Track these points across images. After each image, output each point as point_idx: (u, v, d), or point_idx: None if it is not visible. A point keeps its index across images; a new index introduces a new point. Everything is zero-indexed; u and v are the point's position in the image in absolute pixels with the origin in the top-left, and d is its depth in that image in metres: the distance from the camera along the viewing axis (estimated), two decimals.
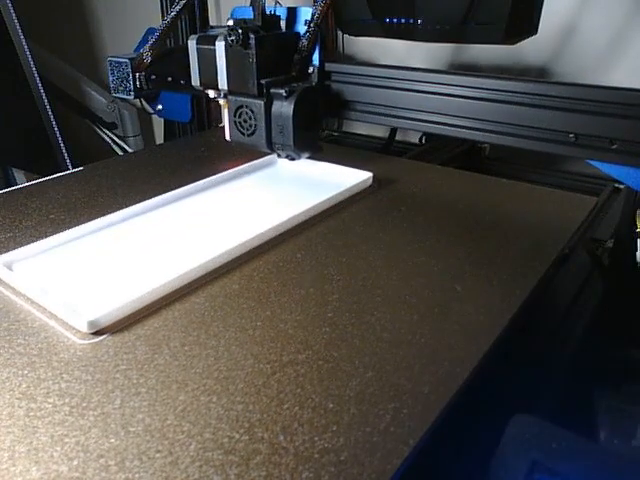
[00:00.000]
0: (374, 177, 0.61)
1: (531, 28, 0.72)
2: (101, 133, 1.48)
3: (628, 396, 0.47)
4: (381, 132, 1.11)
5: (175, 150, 0.78)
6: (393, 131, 0.95)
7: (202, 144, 0.79)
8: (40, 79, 1.13)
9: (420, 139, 1.02)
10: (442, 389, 0.32)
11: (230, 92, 0.59)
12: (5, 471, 0.27)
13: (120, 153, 1.45)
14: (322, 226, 0.52)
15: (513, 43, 0.73)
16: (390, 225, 0.53)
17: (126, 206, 0.54)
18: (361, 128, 1.20)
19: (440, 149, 0.91)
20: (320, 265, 0.46)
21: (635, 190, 0.58)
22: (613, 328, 0.53)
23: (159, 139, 1.56)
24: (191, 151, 0.76)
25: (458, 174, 0.67)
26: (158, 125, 1.56)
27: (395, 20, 0.75)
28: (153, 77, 0.74)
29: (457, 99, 0.57)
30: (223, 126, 0.65)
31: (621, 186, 0.77)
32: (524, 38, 0.73)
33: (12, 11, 1.07)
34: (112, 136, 1.47)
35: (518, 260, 0.46)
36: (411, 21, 0.73)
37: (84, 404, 0.31)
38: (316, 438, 0.29)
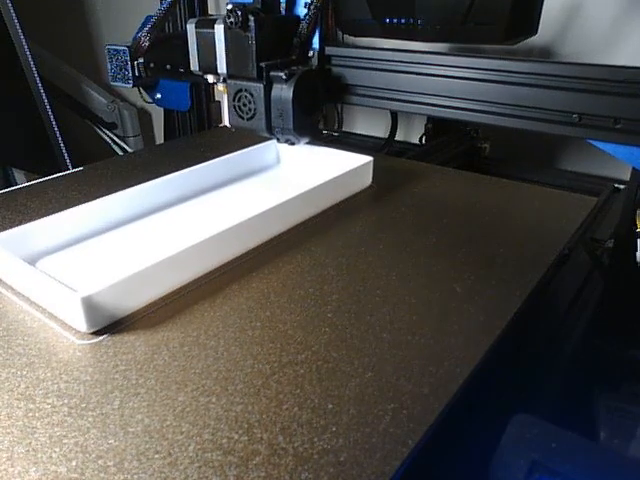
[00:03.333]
0: (374, 177, 0.61)
1: (531, 28, 0.72)
2: (101, 133, 1.48)
3: (628, 396, 0.47)
4: (381, 132, 1.11)
5: (175, 150, 0.78)
6: (393, 131, 0.95)
7: (202, 144, 0.79)
8: (40, 79, 1.13)
9: (420, 139, 1.02)
10: (442, 390, 0.32)
11: (229, 76, 0.59)
12: (4, 472, 0.27)
13: (120, 153, 1.45)
14: (321, 226, 0.52)
15: (513, 44, 0.73)
16: (390, 225, 0.53)
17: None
18: (361, 128, 1.20)
19: (440, 149, 0.91)
20: (319, 265, 0.46)
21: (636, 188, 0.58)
22: (613, 328, 0.53)
23: (159, 139, 1.57)
24: (191, 151, 0.76)
25: (458, 174, 0.67)
26: (158, 125, 1.56)
27: (395, 20, 0.75)
28: (152, 65, 0.73)
29: (459, 81, 0.56)
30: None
31: (621, 186, 0.77)
32: (524, 38, 0.73)
33: (12, 11, 1.07)
34: (112, 136, 1.47)
35: (518, 260, 0.46)
36: (411, 21, 0.73)
37: (83, 405, 0.31)
38: (315, 439, 0.29)
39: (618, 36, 0.87)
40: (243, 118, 0.59)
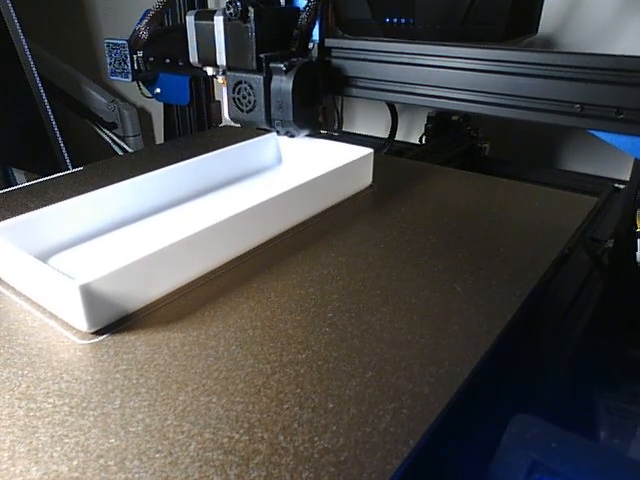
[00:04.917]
0: (374, 177, 0.61)
1: (531, 27, 0.72)
2: (101, 133, 1.48)
3: (628, 396, 0.47)
4: (381, 132, 1.11)
5: (175, 150, 0.78)
6: (393, 130, 0.95)
7: (203, 144, 0.79)
8: (40, 79, 1.14)
9: (420, 139, 1.03)
10: (442, 389, 0.32)
11: (229, 68, 0.58)
12: (5, 471, 0.27)
13: (120, 153, 1.45)
14: (322, 226, 0.52)
15: (513, 43, 0.73)
16: (390, 225, 0.53)
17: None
18: (361, 128, 1.20)
19: (440, 149, 0.91)
20: (320, 265, 0.46)
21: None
22: (613, 328, 0.53)
23: (159, 139, 1.57)
24: (191, 151, 0.76)
25: (458, 174, 0.67)
26: (158, 125, 1.56)
27: (395, 20, 0.75)
28: (151, 59, 0.73)
29: (460, 72, 0.56)
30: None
31: (621, 186, 0.78)
32: (524, 38, 0.73)
33: (12, 11, 1.07)
34: (112, 136, 1.47)
35: (518, 260, 0.46)
36: (411, 21, 0.73)
37: (84, 404, 0.31)
38: (316, 438, 0.29)
39: (620, 25, 0.86)
40: (243, 110, 0.58)
